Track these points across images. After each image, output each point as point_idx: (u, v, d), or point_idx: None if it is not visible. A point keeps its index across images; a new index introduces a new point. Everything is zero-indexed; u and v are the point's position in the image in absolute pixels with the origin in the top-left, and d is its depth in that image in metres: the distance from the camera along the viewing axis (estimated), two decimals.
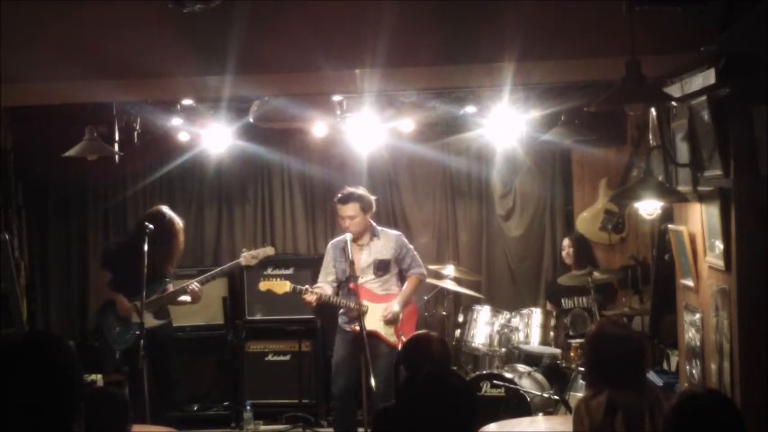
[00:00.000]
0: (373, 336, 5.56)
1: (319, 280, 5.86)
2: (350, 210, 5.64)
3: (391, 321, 5.68)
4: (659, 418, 3.20)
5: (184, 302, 5.86)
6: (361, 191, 5.75)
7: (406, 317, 5.80)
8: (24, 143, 6.62)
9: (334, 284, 5.80)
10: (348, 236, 5.61)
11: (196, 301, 5.90)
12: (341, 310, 5.80)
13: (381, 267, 5.75)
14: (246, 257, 5.90)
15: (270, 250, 6.04)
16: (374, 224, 5.84)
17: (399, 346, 5.66)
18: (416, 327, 5.90)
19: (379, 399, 5.19)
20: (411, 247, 5.94)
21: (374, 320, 5.62)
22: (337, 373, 5.80)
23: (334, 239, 5.94)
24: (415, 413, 2.88)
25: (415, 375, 3.65)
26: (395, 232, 5.99)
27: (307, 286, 5.72)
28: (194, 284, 5.75)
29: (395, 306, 5.69)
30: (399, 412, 3.04)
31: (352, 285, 5.56)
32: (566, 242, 6.69)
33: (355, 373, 5.61)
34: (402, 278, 5.87)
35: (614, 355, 3.37)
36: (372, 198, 5.78)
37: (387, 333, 5.67)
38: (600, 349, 3.44)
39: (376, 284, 5.75)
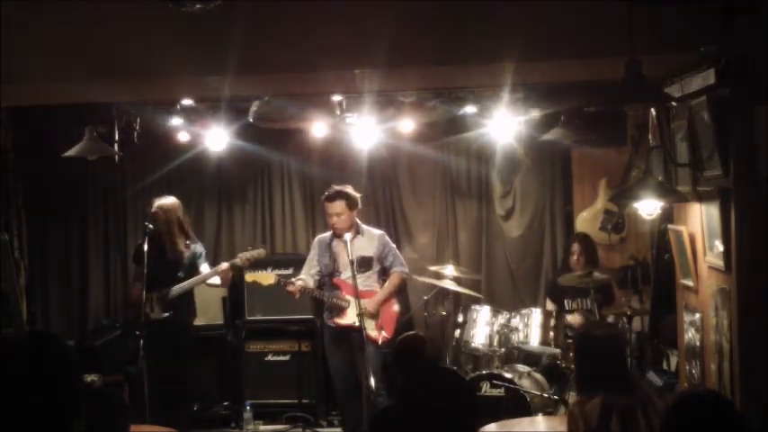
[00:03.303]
0: (354, 330, 5.62)
1: (302, 272, 6.02)
2: (337, 207, 5.83)
3: (371, 316, 5.74)
4: (653, 416, 3.20)
5: (214, 285, 6.06)
6: (348, 189, 5.91)
7: (388, 313, 5.89)
8: (24, 143, 6.62)
9: (317, 277, 5.98)
10: (331, 232, 5.87)
11: (226, 284, 6.10)
12: (325, 306, 5.96)
13: (363, 264, 5.86)
14: (242, 259, 5.98)
15: (262, 252, 6.13)
16: (359, 222, 5.99)
17: (380, 341, 5.75)
18: (397, 323, 5.97)
19: (371, 394, 5.26)
20: (394, 246, 6.12)
21: (354, 315, 5.63)
22: (335, 371, 6.00)
23: (321, 235, 6.16)
24: (415, 413, 2.87)
25: (412, 376, 3.66)
26: (378, 231, 6.12)
27: (291, 279, 5.89)
28: (224, 265, 5.92)
29: (374, 301, 5.80)
30: (400, 412, 3.04)
31: (335, 281, 5.84)
32: (575, 247, 6.54)
33: (349, 369, 5.79)
34: (386, 277, 5.99)
35: (603, 358, 3.35)
36: (358, 195, 5.95)
37: (367, 327, 5.68)
38: (589, 354, 3.42)
39: (358, 280, 5.76)
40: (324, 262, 5.94)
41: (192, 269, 6.00)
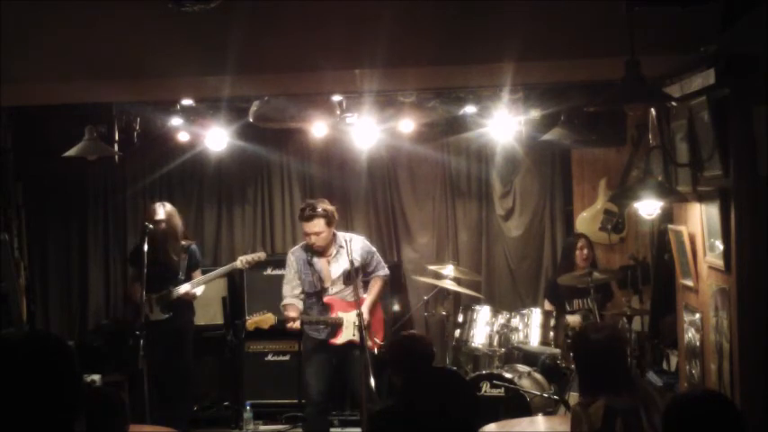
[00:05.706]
0: (349, 343, 5.61)
1: (285, 293, 5.78)
2: (315, 226, 5.59)
3: (365, 327, 5.67)
4: (655, 415, 3.20)
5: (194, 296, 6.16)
6: (325, 205, 5.67)
7: (377, 319, 5.84)
8: (24, 143, 6.62)
9: (302, 297, 5.76)
10: (303, 245, 5.72)
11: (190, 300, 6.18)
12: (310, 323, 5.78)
13: (350, 277, 5.68)
14: (242, 261, 6.11)
15: (263, 255, 6.25)
16: (337, 234, 5.77)
17: (375, 348, 5.72)
18: (385, 327, 5.97)
19: (368, 401, 5.24)
20: (374, 249, 5.94)
21: (350, 331, 5.62)
22: (312, 378, 5.77)
23: (294, 249, 5.87)
24: (417, 411, 2.88)
25: (412, 375, 3.66)
26: (358, 237, 5.94)
27: (286, 313, 5.71)
28: (186, 287, 6.00)
29: (365, 311, 5.60)
30: (401, 412, 3.04)
31: (326, 300, 5.66)
32: (582, 243, 6.46)
33: (330, 379, 5.72)
34: (368, 280, 5.87)
35: (601, 362, 3.33)
36: (334, 208, 5.72)
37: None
38: (587, 356, 3.39)
39: (347, 292, 5.72)
40: (307, 280, 5.69)
41: (191, 270, 6.08)
